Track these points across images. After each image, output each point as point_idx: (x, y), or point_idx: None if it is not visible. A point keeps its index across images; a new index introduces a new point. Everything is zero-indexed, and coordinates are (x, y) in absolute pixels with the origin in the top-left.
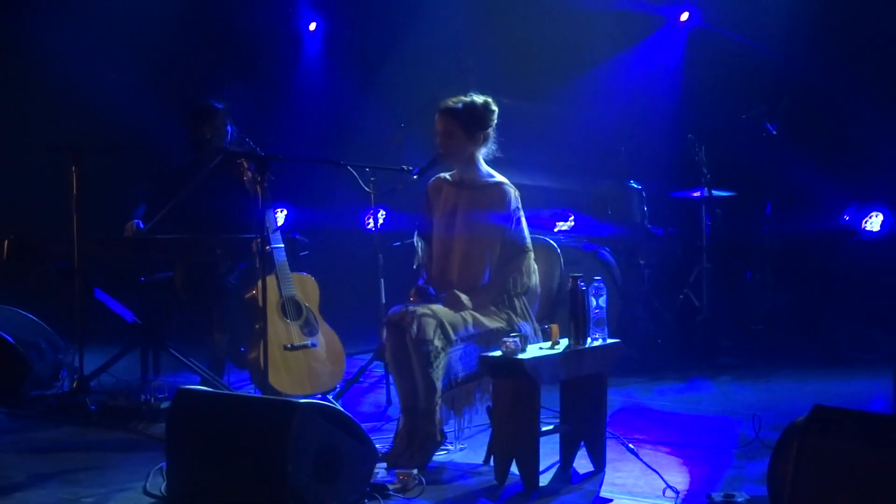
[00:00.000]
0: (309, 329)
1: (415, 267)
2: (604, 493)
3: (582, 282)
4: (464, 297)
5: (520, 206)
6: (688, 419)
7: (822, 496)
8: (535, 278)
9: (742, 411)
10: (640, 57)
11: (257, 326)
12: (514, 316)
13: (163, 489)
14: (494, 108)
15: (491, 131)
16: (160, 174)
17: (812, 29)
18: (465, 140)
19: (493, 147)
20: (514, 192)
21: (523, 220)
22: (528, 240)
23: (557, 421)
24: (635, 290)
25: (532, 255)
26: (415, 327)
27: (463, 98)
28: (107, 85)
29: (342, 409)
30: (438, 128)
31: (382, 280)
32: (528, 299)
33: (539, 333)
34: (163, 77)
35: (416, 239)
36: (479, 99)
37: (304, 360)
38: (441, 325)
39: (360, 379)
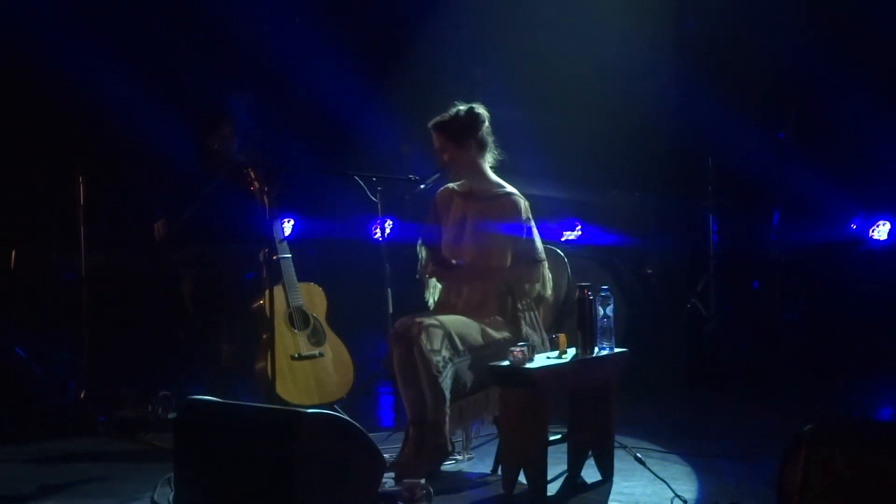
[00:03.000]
0: (316, 339)
1: (417, 276)
2: (612, 503)
3: (589, 291)
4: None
5: (530, 216)
6: (695, 428)
7: None
8: (549, 288)
9: (750, 420)
10: (648, 66)
11: (264, 336)
12: (523, 324)
13: (171, 499)
14: (479, 111)
15: (484, 136)
16: (170, 185)
17: (820, 37)
18: (457, 150)
19: (496, 151)
20: (524, 203)
21: (535, 230)
22: (541, 250)
23: (565, 430)
24: (643, 300)
25: (546, 264)
26: (422, 338)
27: (449, 111)
28: (115, 95)
29: (349, 418)
30: (435, 145)
31: (389, 290)
32: (541, 309)
33: (547, 343)
34: (169, 87)
35: (419, 247)
36: (462, 107)
37: (311, 369)
38: (448, 335)
39: (368, 388)
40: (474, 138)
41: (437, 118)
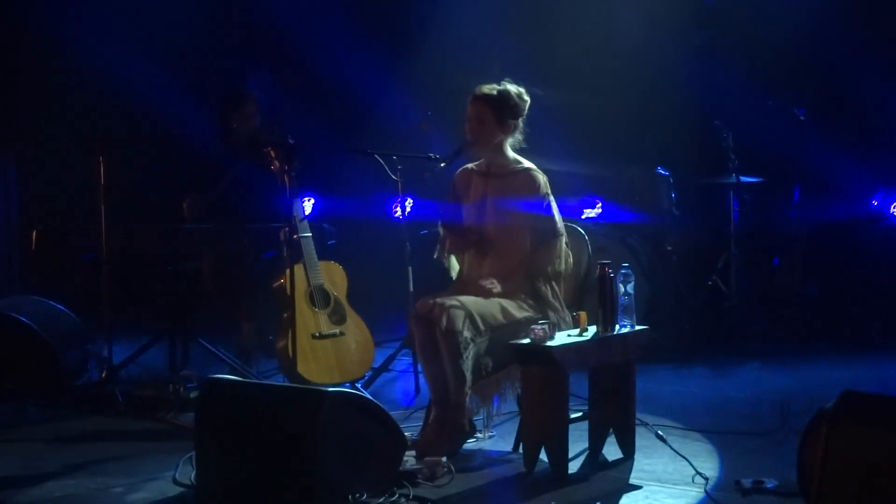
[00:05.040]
0: (337, 317)
1: (435, 257)
2: (633, 480)
3: (610, 269)
4: (491, 284)
5: (549, 191)
6: (716, 405)
7: (852, 481)
8: (569, 262)
9: (771, 397)
10: (666, 41)
11: (285, 315)
12: (546, 299)
13: (192, 478)
14: (528, 98)
15: (521, 121)
16: (195, 163)
17: (840, 11)
18: (495, 127)
19: (520, 137)
20: (542, 178)
21: (554, 204)
22: (560, 224)
23: (586, 408)
24: (663, 277)
25: (564, 238)
26: (444, 319)
27: (497, 86)
28: (134, 75)
29: (371, 397)
30: (470, 113)
31: (410, 268)
32: (561, 284)
33: (568, 320)
34: (190, 67)
35: (440, 228)
36: (513, 88)
37: (332, 348)
38: (470, 316)
39: (389, 367)
40: (514, 120)
41: (485, 89)
